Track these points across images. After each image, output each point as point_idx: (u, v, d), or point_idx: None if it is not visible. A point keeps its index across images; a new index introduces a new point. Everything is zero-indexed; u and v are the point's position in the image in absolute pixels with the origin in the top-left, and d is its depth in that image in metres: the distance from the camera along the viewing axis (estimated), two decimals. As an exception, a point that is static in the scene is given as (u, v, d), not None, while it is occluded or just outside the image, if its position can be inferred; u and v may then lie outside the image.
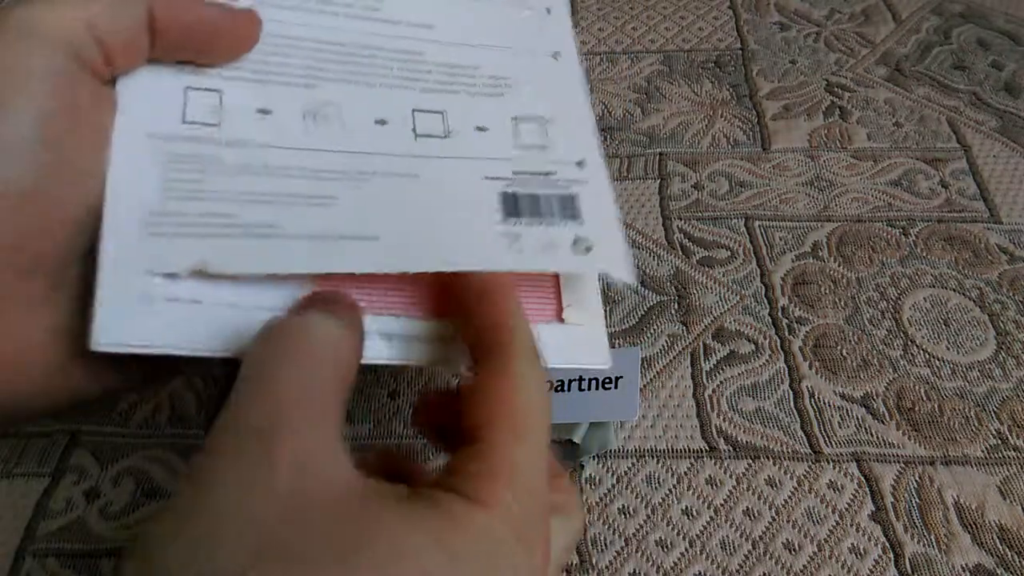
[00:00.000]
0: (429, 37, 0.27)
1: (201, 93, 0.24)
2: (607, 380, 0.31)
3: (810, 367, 0.35)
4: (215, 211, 0.22)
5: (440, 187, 0.25)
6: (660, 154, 0.44)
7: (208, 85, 0.24)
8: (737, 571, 0.29)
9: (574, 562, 0.29)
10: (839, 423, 0.33)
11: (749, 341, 0.36)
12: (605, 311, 0.37)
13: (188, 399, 0.34)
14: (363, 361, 0.21)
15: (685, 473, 0.31)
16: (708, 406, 0.33)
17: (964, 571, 0.29)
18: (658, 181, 0.43)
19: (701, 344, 0.36)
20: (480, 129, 0.26)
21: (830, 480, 0.31)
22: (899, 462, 0.32)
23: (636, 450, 0.32)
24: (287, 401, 0.17)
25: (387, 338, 0.23)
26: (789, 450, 0.32)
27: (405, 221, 0.24)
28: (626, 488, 0.31)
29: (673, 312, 0.37)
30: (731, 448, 0.32)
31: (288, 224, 0.23)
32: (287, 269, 0.22)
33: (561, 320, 0.25)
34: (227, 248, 0.22)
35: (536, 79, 0.28)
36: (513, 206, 0.25)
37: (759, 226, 0.40)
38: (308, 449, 0.17)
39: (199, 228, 0.22)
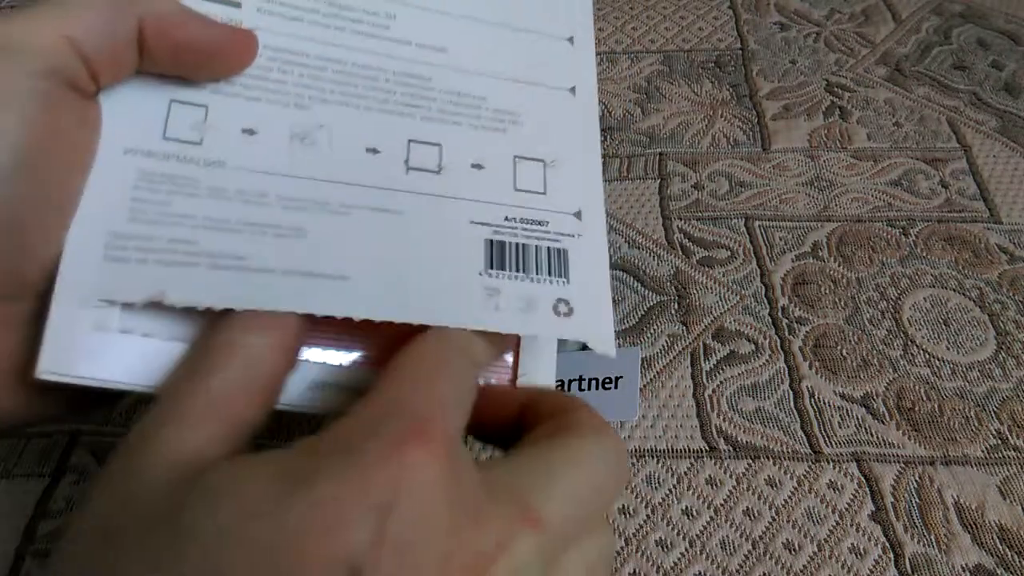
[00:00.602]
0: (439, 61, 0.26)
1: (186, 107, 0.23)
2: (607, 380, 0.31)
3: (810, 367, 0.35)
4: (180, 237, 0.21)
5: (423, 228, 0.23)
6: (660, 154, 0.44)
7: (194, 99, 0.23)
8: (737, 571, 0.29)
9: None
10: (839, 423, 0.33)
11: (749, 341, 0.36)
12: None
13: (188, 399, 0.34)
14: (291, 407, 0.21)
15: (685, 473, 0.31)
16: (708, 406, 0.33)
17: (964, 571, 0.29)
18: (658, 181, 0.43)
19: (701, 344, 0.36)
20: (476, 166, 0.25)
21: (830, 480, 0.31)
22: (899, 462, 0.32)
23: (636, 450, 0.32)
24: (170, 403, 0.18)
25: (321, 387, 0.22)
26: (789, 450, 0.32)
27: (380, 263, 0.22)
28: (626, 488, 0.31)
29: (673, 312, 0.37)
30: (731, 448, 0.32)
31: (255, 256, 0.21)
32: (247, 305, 0.21)
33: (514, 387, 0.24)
34: (188, 278, 0.21)
35: (546, 116, 0.26)
36: (498, 256, 0.23)
37: (759, 226, 0.40)
38: (173, 442, 0.17)
39: (162, 255, 0.21)
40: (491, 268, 0.23)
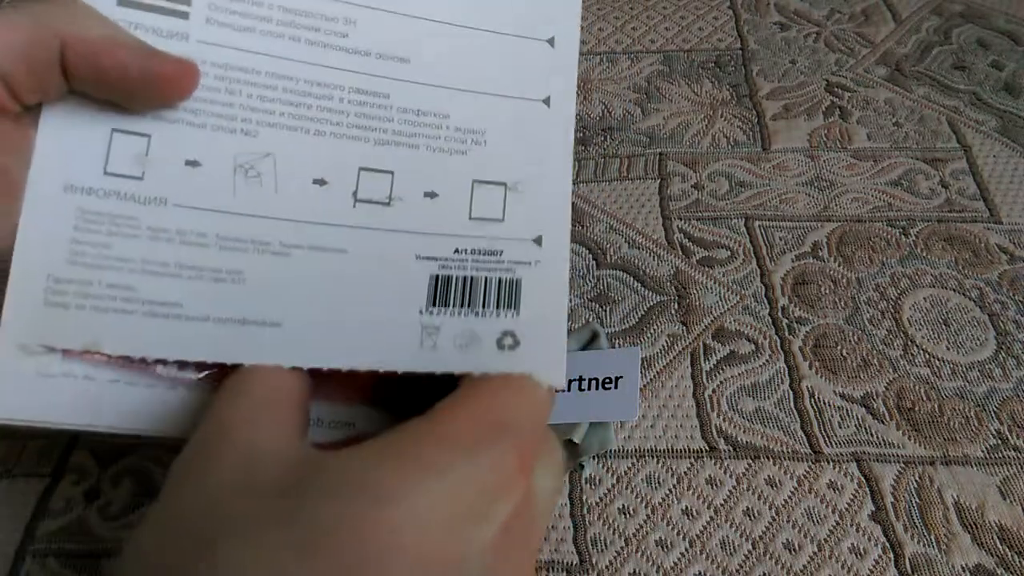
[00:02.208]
0: (399, 74, 0.24)
1: (128, 137, 0.22)
2: (607, 380, 0.31)
3: (810, 367, 0.35)
4: (119, 282, 0.21)
5: (366, 267, 0.23)
6: (660, 154, 0.44)
7: (136, 128, 0.22)
8: (737, 571, 0.29)
9: (574, 562, 0.29)
10: (839, 423, 0.33)
11: (749, 341, 0.36)
12: (605, 312, 0.37)
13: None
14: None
15: (685, 473, 0.31)
16: (708, 406, 0.33)
17: (964, 571, 0.29)
18: (658, 181, 0.43)
19: (701, 344, 0.36)
20: (430, 195, 0.23)
21: (830, 480, 0.31)
22: (899, 462, 0.32)
23: (636, 450, 0.32)
24: (236, 414, 0.19)
25: None
26: (789, 450, 0.32)
27: (316, 307, 0.22)
28: (626, 488, 0.31)
29: (673, 312, 0.37)
30: (731, 448, 0.32)
31: (191, 303, 0.22)
32: (181, 355, 0.21)
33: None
34: (124, 327, 0.21)
35: (515, 131, 0.25)
36: (443, 293, 0.23)
37: (759, 226, 0.40)
38: (255, 439, 0.18)
39: (100, 301, 0.21)
40: (433, 306, 0.23)
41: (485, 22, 0.25)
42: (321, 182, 0.23)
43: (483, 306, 0.23)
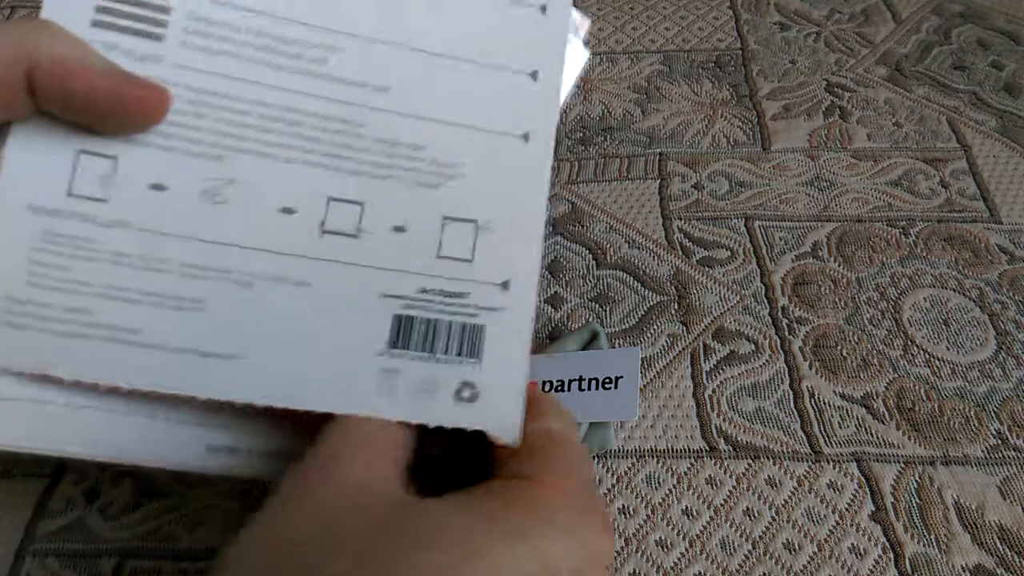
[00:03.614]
0: (376, 104, 0.23)
1: (94, 159, 0.22)
2: (607, 380, 0.31)
3: (810, 367, 0.35)
4: (77, 306, 0.21)
5: (328, 302, 0.22)
6: (660, 154, 0.44)
7: (103, 150, 0.22)
8: (737, 571, 0.29)
9: None
10: (839, 423, 0.33)
11: (749, 341, 0.36)
12: (605, 312, 0.37)
13: (188, 399, 0.34)
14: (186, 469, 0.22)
15: (685, 473, 0.31)
16: (708, 406, 0.33)
17: (964, 571, 0.29)
18: (658, 181, 0.43)
19: (701, 344, 0.36)
20: (398, 229, 0.23)
21: (830, 480, 0.31)
22: (899, 462, 0.32)
23: (636, 450, 0.32)
24: (338, 449, 0.20)
25: (219, 451, 0.22)
26: (789, 450, 0.32)
27: (276, 342, 0.22)
28: (626, 488, 0.31)
29: (673, 312, 0.37)
30: (731, 448, 0.32)
31: (149, 331, 0.21)
32: (135, 385, 0.21)
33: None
34: (80, 352, 0.21)
35: (490, 167, 0.24)
36: (405, 334, 0.22)
37: (759, 226, 0.40)
38: (359, 477, 0.18)
39: (56, 324, 0.21)
40: (395, 347, 0.22)
41: (468, 52, 0.25)
42: (288, 211, 0.22)
43: (444, 352, 0.22)
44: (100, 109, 0.21)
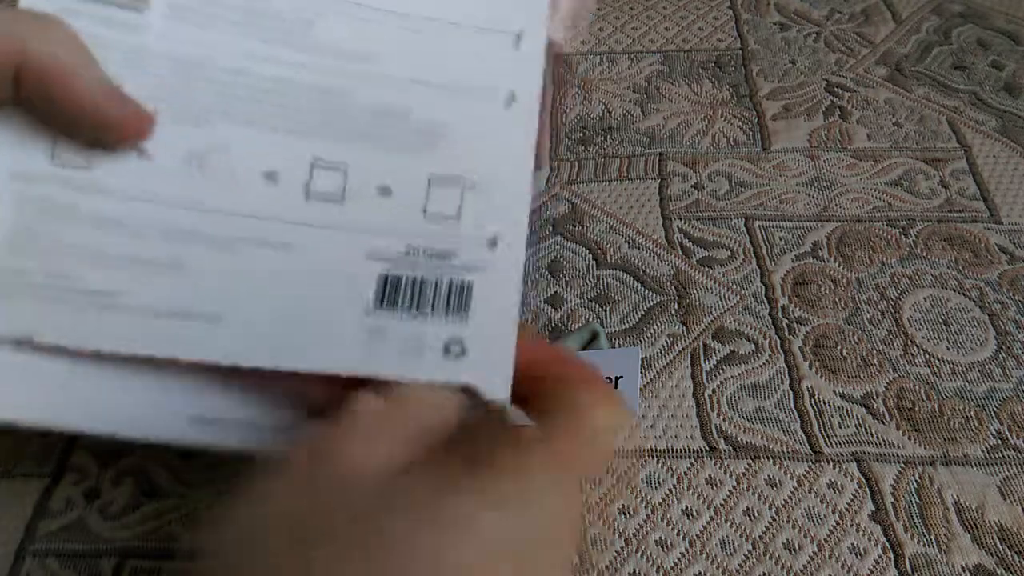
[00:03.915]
0: (361, 71, 0.24)
1: None
2: (607, 380, 0.31)
3: (810, 367, 0.35)
4: (58, 271, 0.21)
5: (313, 265, 0.22)
6: (660, 154, 0.44)
7: None
8: (737, 571, 0.29)
9: (574, 562, 0.29)
10: (839, 423, 0.33)
11: (749, 341, 0.36)
12: (605, 312, 0.37)
13: (188, 399, 0.34)
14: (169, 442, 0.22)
15: (685, 473, 0.31)
16: (708, 406, 0.33)
17: (964, 571, 0.29)
18: (658, 181, 0.43)
19: (701, 344, 0.36)
20: (383, 191, 0.23)
21: (830, 480, 0.31)
22: (899, 462, 0.32)
23: (636, 450, 0.32)
24: (345, 433, 0.19)
25: (201, 422, 0.22)
26: (789, 450, 0.32)
27: (260, 303, 0.22)
28: (626, 488, 0.31)
29: (673, 312, 0.37)
30: (731, 448, 0.32)
31: (130, 294, 0.21)
32: (116, 348, 0.21)
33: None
34: (61, 316, 0.21)
35: (476, 128, 0.24)
36: (391, 294, 0.22)
37: (759, 226, 0.40)
38: (358, 460, 0.19)
39: (37, 289, 0.21)
40: (380, 307, 0.22)
41: (450, 13, 0.25)
42: (272, 176, 0.23)
43: (432, 309, 0.22)
44: (80, 123, 0.21)
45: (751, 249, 0.39)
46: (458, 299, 0.22)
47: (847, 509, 0.30)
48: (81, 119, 0.21)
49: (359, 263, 0.22)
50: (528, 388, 0.21)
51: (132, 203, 0.22)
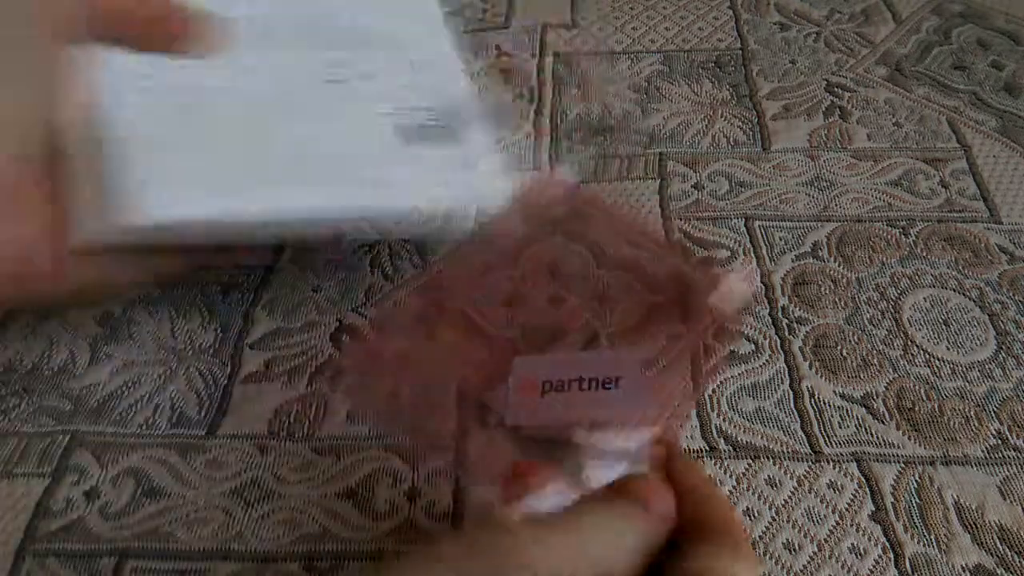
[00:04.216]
0: (340, 7, 0.35)
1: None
2: (607, 380, 0.31)
3: (810, 367, 0.35)
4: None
5: (343, 124, 0.32)
6: (660, 154, 0.44)
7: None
8: (737, 571, 0.29)
9: None
10: (839, 423, 0.33)
11: (749, 341, 0.36)
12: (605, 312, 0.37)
13: (189, 399, 0.34)
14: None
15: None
16: (708, 406, 0.33)
17: (964, 571, 0.29)
18: (658, 181, 0.43)
19: (701, 344, 0.36)
20: (367, 78, 0.34)
21: (830, 480, 0.31)
22: (899, 462, 0.32)
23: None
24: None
25: None
26: (789, 450, 0.32)
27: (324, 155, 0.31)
28: (626, 488, 0.31)
29: (673, 312, 0.37)
30: (731, 448, 0.32)
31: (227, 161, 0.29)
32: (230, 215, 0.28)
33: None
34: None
35: (413, 32, 0.36)
36: (408, 135, 0.33)
37: (759, 226, 0.40)
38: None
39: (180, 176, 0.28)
40: (405, 143, 0.33)
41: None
42: (303, 72, 0.33)
43: (439, 142, 0.33)
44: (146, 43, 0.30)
45: (751, 249, 0.39)
46: (451, 136, 0.34)
47: (847, 509, 0.30)
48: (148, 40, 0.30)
49: (376, 120, 0.33)
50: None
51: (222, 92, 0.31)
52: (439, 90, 0.34)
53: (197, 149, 0.29)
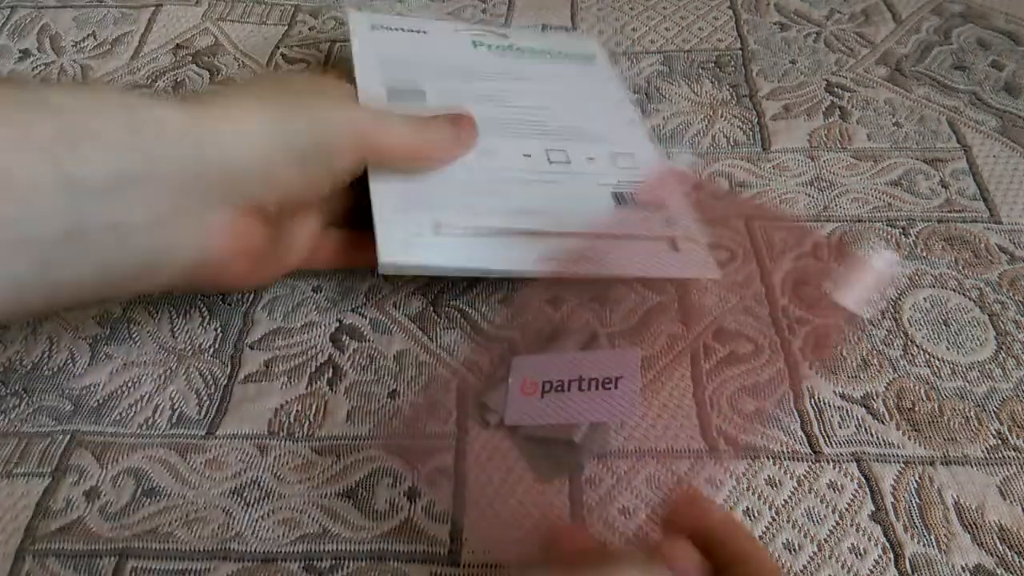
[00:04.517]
0: (546, 115, 0.42)
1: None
2: (607, 380, 0.31)
3: (810, 367, 0.35)
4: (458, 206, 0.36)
5: (568, 191, 0.38)
6: (660, 154, 0.44)
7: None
8: (737, 571, 0.29)
9: (574, 562, 0.29)
10: (839, 423, 0.33)
11: (749, 341, 0.36)
12: (605, 312, 0.37)
13: (189, 399, 0.34)
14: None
15: (685, 473, 0.31)
16: (708, 406, 0.33)
17: (964, 571, 0.29)
18: (658, 181, 0.43)
19: (701, 344, 0.36)
20: (590, 159, 0.40)
21: (830, 480, 0.31)
22: (899, 462, 0.32)
23: (636, 450, 0.32)
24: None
25: None
26: (789, 450, 0.32)
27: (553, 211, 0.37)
28: (626, 488, 0.31)
29: (673, 312, 0.37)
30: (731, 448, 0.32)
31: (489, 207, 0.36)
32: (489, 225, 0.36)
33: (676, 249, 0.37)
34: (456, 216, 0.35)
35: (610, 129, 0.43)
36: (620, 200, 0.38)
37: (759, 226, 0.40)
38: None
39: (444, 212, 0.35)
40: (620, 206, 0.38)
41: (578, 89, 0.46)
42: (528, 155, 0.40)
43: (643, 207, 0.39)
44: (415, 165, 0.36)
45: (751, 249, 0.39)
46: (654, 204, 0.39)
47: (847, 509, 0.30)
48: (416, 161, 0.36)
49: (595, 188, 0.39)
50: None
51: (475, 172, 0.38)
52: (644, 167, 0.41)
53: (468, 213, 0.36)
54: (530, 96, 0.43)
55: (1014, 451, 0.32)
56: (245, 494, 0.31)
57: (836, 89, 0.48)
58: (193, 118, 0.28)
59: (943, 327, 0.36)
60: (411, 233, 0.34)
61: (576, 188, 0.38)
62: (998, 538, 0.29)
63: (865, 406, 0.33)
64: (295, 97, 0.32)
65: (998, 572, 0.29)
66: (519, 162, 0.39)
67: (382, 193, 0.35)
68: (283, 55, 0.52)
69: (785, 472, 0.31)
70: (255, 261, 0.32)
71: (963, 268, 0.38)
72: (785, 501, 0.31)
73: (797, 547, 0.29)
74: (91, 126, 0.26)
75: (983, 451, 0.32)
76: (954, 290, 0.37)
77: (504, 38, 0.48)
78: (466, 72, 0.44)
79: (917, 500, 0.30)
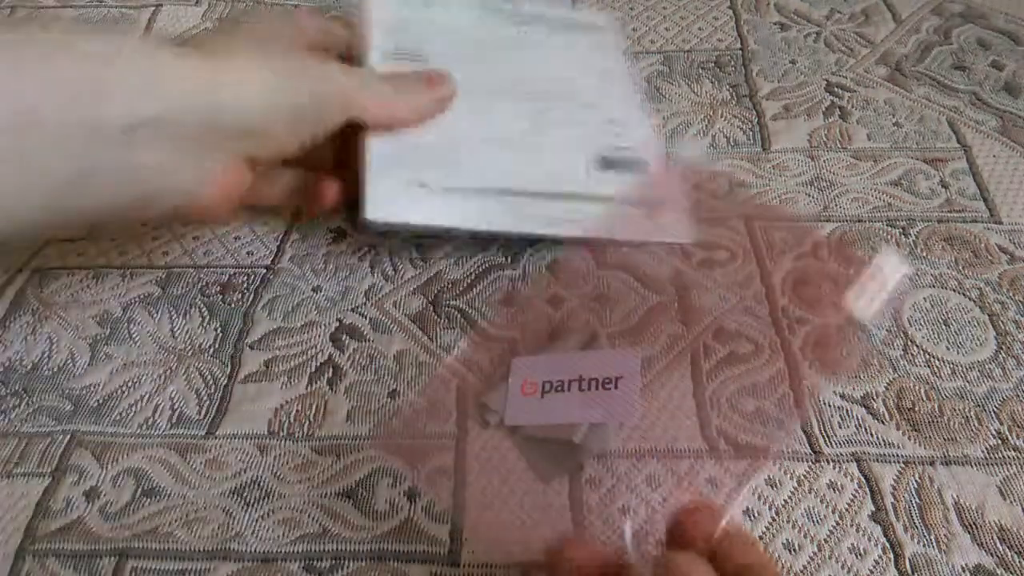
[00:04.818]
0: (546, 68, 0.44)
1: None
2: (607, 380, 0.31)
3: (810, 367, 0.35)
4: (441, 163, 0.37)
5: (563, 150, 0.40)
6: (660, 154, 0.44)
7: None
8: (737, 571, 0.29)
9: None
10: (839, 423, 0.33)
11: (749, 341, 0.36)
12: (605, 312, 0.37)
13: (189, 399, 0.34)
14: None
15: (685, 473, 0.31)
16: (708, 406, 0.33)
17: (964, 571, 0.29)
18: (658, 181, 0.43)
19: (701, 344, 0.36)
20: (581, 123, 0.41)
21: (830, 480, 0.31)
22: (899, 462, 0.32)
23: (636, 450, 0.32)
24: None
25: None
26: (789, 450, 0.32)
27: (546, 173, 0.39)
28: (626, 488, 0.31)
29: (673, 312, 0.37)
30: (731, 448, 0.32)
31: (471, 169, 0.38)
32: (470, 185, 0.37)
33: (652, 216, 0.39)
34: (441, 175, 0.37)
35: (614, 104, 0.43)
36: (607, 163, 0.40)
37: (759, 226, 0.40)
38: None
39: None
40: (603, 168, 0.40)
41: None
42: (519, 117, 0.41)
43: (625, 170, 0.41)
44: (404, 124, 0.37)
45: (751, 249, 0.39)
46: (640, 167, 0.41)
47: (847, 509, 0.30)
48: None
49: (584, 152, 0.40)
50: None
51: (466, 132, 0.39)
52: (633, 136, 0.41)
53: (452, 173, 0.37)
54: (530, 60, 0.44)
55: (1014, 451, 0.32)
56: (245, 494, 0.31)
57: (836, 89, 0.48)
58: (208, 72, 0.30)
59: (943, 327, 0.36)
60: (398, 190, 0.35)
61: (564, 151, 0.39)
62: (998, 538, 0.29)
63: (865, 406, 0.33)
64: (295, 59, 0.34)
65: (998, 572, 0.29)
66: (510, 123, 0.40)
67: (375, 150, 0.36)
68: (283, 55, 0.52)
69: (785, 472, 0.31)
70: (234, 203, 0.35)
71: (963, 268, 0.38)
72: (785, 501, 0.31)
73: (797, 547, 0.29)
74: (115, 72, 0.27)
75: (983, 451, 0.32)
76: (954, 290, 0.37)
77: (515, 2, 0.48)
78: (469, 35, 0.44)
79: (917, 500, 0.30)
